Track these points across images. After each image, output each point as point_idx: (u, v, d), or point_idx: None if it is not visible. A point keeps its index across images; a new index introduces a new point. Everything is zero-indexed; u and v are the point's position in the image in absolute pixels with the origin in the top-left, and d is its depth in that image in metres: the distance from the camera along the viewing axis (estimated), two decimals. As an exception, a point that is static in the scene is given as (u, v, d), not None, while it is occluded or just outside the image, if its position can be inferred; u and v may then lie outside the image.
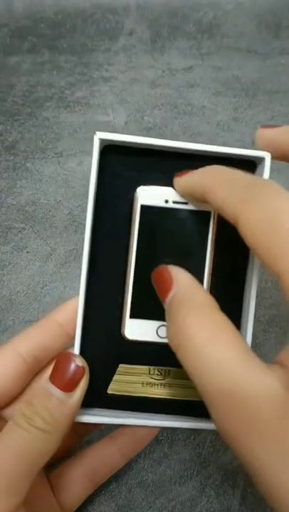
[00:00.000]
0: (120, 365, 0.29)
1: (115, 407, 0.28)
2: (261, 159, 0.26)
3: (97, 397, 0.29)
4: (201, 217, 0.23)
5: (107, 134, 0.27)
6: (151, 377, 0.28)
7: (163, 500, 0.36)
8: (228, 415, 0.17)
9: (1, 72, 0.71)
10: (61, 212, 0.51)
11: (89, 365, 0.28)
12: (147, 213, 0.23)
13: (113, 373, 0.29)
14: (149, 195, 0.23)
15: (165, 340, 0.22)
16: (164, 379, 0.29)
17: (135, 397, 0.29)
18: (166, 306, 0.20)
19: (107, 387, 0.29)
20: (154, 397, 0.29)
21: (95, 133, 0.23)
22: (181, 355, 0.19)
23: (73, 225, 0.50)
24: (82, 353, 0.28)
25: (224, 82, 0.66)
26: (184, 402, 0.28)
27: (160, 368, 0.29)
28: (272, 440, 0.17)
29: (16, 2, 0.86)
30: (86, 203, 0.55)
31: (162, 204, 0.23)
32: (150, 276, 0.23)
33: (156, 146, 0.28)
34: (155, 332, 0.22)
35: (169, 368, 0.29)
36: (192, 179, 0.22)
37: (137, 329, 0.23)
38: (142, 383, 0.28)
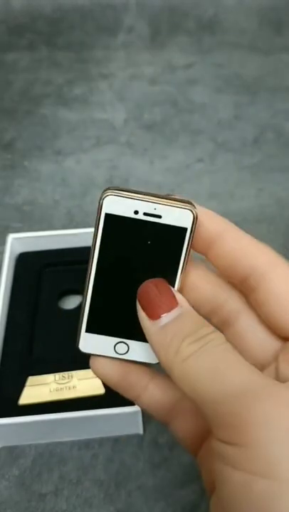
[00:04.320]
0: (29, 378, 0.33)
1: (28, 414, 0.31)
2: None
3: (10, 409, 0.32)
4: (176, 233, 0.20)
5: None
6: (57, 383, 0.33)
7: (163, 504, 0.36)
8: None
9: (-1, 70, 0.70)
10: (59, 211, 0.50)
11: (3, 380, 0.33)
12: (112, 223, 0.20)
13: (23, 386, 0.33)
14: (116, 204, 0.20)
15: (121, 357, 0.21)
16: (68, 382, 0.33)
17: (45, 402, 0.32)
18: (158, 324, 0.18)
19: (18, 399, 0.32)
20: (62, 399, 0.32)
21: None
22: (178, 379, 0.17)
23: (71, 224, 0.49)
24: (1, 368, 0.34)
25: (225, 79, 0.65)
26: (91, 397, 0.32)
27: (64, 373, 0.33)
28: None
29: (13, -2, 0.85)
30: (84, 202, 0.55)
31: (131, 215, 0.20)
32: (109, 291, 0.21)
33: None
34: (112, 348, 0.21)
35: (71, 372, 0.33)
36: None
37: (93, 343, 0.21)
38: (50, 390, 0.33)
